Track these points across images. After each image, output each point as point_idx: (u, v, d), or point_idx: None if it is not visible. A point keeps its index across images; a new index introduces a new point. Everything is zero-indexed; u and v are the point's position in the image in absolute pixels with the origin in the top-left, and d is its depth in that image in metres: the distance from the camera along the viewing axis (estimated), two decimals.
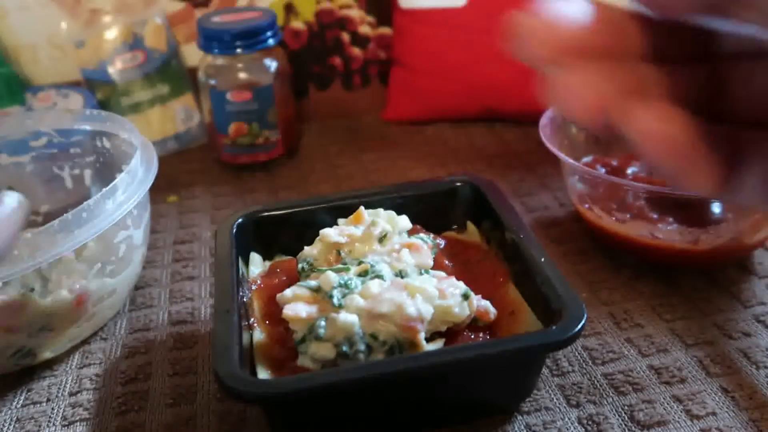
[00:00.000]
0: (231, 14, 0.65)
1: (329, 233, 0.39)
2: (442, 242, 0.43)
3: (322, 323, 0.34)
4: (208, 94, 0.64)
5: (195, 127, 0.71)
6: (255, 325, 0.37)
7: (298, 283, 0.37)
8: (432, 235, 0.43)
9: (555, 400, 0.38)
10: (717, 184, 0.20)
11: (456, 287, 0.36)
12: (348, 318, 0.33)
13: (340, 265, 0.38)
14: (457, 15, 0.69)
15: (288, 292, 0.36)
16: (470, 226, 0.45)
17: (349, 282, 0.35)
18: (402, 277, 0.37)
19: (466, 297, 0.36)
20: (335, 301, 0.34)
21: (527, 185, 0.61)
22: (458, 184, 0.46)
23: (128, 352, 0.44)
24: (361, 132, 0.74)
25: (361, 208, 0.41)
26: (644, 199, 0.47)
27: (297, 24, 0.75)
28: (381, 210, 0.41)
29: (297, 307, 0.35)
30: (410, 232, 0.44)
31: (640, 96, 0.19)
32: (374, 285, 0.35)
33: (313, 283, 0.36)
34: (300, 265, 0.39)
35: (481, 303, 0.36)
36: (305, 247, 0.40)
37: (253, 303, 0.39)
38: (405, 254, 0.38)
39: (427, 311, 0.34)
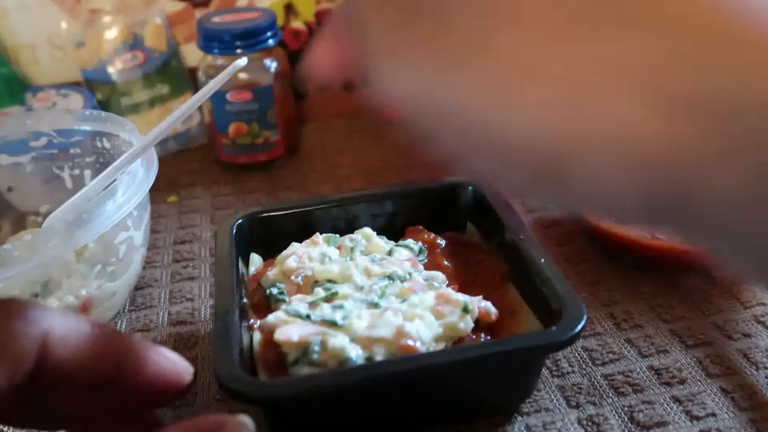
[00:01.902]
0: (231, 14, 0.65)
1: (289, 261, 0.40)
2: (443, 241, 0.43)
3: (316, 348, 0.33)
4: None
5: (195, 127, 0.71)
6: (255, 325, 0.37)
7: (284, 309, 0.36)
8: (432, 235, 0.43)
9: (555, 400, 0.38)
10: None
11: (455, 303, 0.36)
12: (339, 342, 0.33)
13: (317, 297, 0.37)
14: None
15: (272, 318, 0.36)
16: (470, 226, 0.45)
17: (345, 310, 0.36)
18: (376, 306, 0.36)
19: (466, 310, 0.35)
20: (339, 321, 0.34)
21: None
22: (458, 184, 0.46)
23: None
24: (361, 132, 0.74)
25: (317, 234, 0.42)
26: None
27: (297, 24, 0.75)
28: (366, 229, 0.42)
29: (289, 330, 0.34)
30: (411, 233, 0.44)
31: None
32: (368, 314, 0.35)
33: (302, 310, 0.36)
34: (268, 291, 0.39)
35: (481, 304, 0.36)
36: (268, 272, 0.40)
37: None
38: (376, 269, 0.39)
39: (427, 335, 0.34)
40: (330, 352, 0.33)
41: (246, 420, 0.27)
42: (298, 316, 0.35)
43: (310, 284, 0.38)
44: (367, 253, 0.41)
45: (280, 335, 0.34)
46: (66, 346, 0.24)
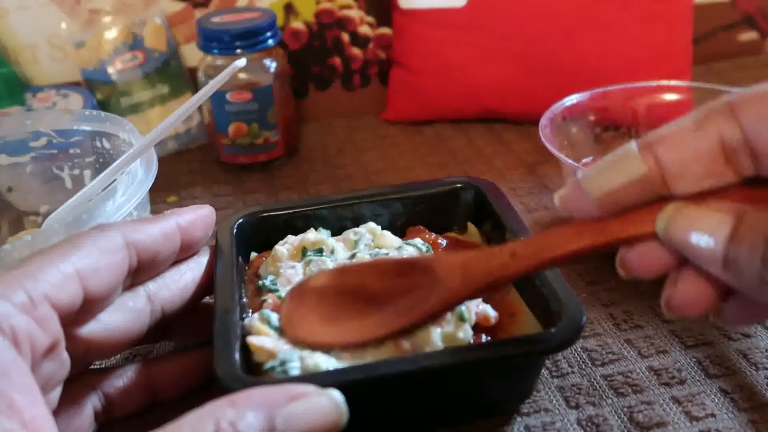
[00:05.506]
0: (231, 14, 0.65)
1: (281, 251, 0.40)
2: (443, 242, 0.43)
3: (295, 363, 0.33)
4: None
5: (195, 127, 0.71)
6: None
7: (262, 312, 0.36)
8: (434, 235, 0.43)
9: (554, 401, 0.38)
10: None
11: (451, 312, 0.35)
12: (315, 360, 0.32)
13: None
14: (457, 15, 0.69)
15: (247, 322, 0.36)
16: (471, 227, 0.45)
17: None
18: None
19: (462, 318, 0.35)
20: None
21: (527, 185, 0.61)
22: (459, 185, 0.46)
23: (129, 354, 0.44)
24: (361, 132, 0.74)
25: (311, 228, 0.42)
26: None
27: (297, 24, 0.75)
28: (371, 224, 0.42)
29: (262, 337, 0.34)
30: (411, 233, 0.44)
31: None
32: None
33: (274, 319, 0.35)
34: (261, 282, 0.39)
35: (479, 308, 0.36)
36: (263, 262, 0.40)
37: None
38: None
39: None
40: (308, 371, 0.33)
41: (335, 395, 0.28)
42: (268, 323, 0.35)
43: (299, 251, 0.39)
44: (374, 248, 0.41)
45: (253, 340, 0.34)
46: (140, 233, 0.35)
